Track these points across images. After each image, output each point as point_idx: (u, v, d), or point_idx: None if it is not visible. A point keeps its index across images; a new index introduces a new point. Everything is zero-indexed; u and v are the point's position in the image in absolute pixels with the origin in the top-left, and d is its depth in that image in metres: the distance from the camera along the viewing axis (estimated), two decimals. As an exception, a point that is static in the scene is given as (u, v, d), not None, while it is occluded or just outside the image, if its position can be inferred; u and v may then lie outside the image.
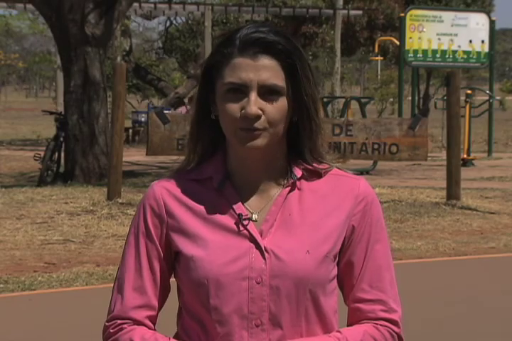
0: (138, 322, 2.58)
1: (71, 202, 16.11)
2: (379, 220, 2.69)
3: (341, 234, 2.62)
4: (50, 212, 15.15)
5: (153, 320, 2.61)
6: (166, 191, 2.62)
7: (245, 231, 2.57)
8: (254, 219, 2.59)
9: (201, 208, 2.60)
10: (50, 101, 42.70)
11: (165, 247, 2.60)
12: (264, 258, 2.55)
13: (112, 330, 2.59)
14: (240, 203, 2.60)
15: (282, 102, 2.53)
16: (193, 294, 2.56)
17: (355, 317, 2.64)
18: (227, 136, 2.58)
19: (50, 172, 19.89)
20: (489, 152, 26.83)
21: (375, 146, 20.63)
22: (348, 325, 2.63)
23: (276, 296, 2.56)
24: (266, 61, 2.52)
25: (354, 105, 24.82)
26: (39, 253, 11.92)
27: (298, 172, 2.62)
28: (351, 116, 23.72)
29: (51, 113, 22.23)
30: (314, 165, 2.63)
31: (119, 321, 2.58)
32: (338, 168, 2.67)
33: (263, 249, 2.56)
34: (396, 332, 2.63)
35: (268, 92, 2.52)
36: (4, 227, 13.88)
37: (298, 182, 2.63)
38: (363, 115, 23.92)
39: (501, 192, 18.41)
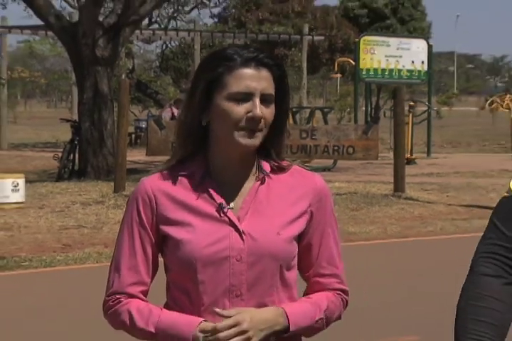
0: (133, 296, 2.59)
1: (84, 195, 16.11)
2: (331, 209, 2.72)
3: (304, 219, 2.65)
4: (67, 202, 15.15)
5: (145, 293, 2.62)
6: (155, 186, 2.61)
7: (225, 218, 2.58)
8: (231, 207, 2.60)
9: (186, 199, 2.59)
10: (66, 111, 42.48)
11: (155, 233, 2.60)
12: (242, 239, 2.57)
13: (111, 303, 2.60)
14: (219, 194, 2.60)
15: (273, 108, 2.55)
16: (182, 271, 2.57)
17: (314, 289, 2.68)
18: (223, 136, 2.55)
19: (66, 169, 19.94)
20: (428, 153, 26.91)
21: (335, 148, 20.63)
22: (304, 295, 2.68)
23: (252, 271, 2.58)
24: (264, 73, 2.54)
25: (318, 114, 24.82)
26: (57, 237, 11.96)
27: (267, 167, 2.63)
28: (315, 123, 23.72)
29: (67, 120, 22.29)
30: (278, 162, 2.64)
31: (117, 295, 2.60)
32: (298, 165, 2.69)
33: (241, 232, 2.57)
34: (346, 300, 2.71)
35: (264, 99, 2.53)
36: (29, 215, 13.92)
37: (267, 176, 2.63)
38: (325, 122, 23.92)
39: (438, 185, 18.47)
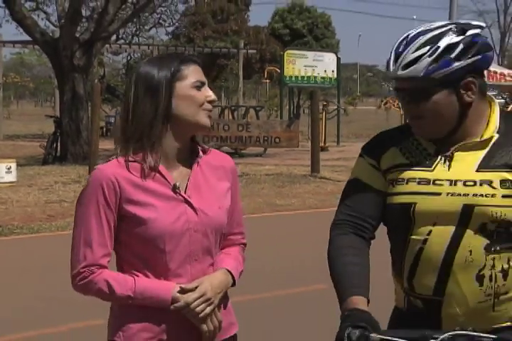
0: (104, 267, 2.49)
1: (64, 176, 15.97)
2: (238, 182, 2.74)
3: (229, 193, 2.64)
4: (51, 182, 14.99)
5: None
6: (116, 172, 2.47)
7: (180, 197, 2.52)
8: (180, 187, 2.53)
9: (144, 182, 2.49)
10: (50, 109, 41.91)
11: (117, 214, 2.48)
12: (196, 214, 2.52)
13: (86, 274, 2.47)
14: (171, 176, 2.52)
15: None
16: (148, 244, 2.47)
17: (227, 244, 2.67)
18: (188, 118, 2.49)
19: (50, 156, 19.73)
20: (337, 142, 27.01)
21: (265, 138, 20.67)
22: (221, 248, 2.65)
23: (205, 239, 2.54)
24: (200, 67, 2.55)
25: (251, 112, 24.85)
26: (43, 209, 11.84)
27: (200, 152, 2.59)
28: (250, 119, 23.70)
29: (51, 117, 22.22)
30: (203, 145, 2.62)
31: (91, 267, 2.47)
32: (213, 148, 2.68)
33: (194, 207, 2.52)
34: (245, 249, 2.78)
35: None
36: (20, 192, 13.76)
37: (200, 159, 2.59)
38: (257, 118, 23.95)
39: (345, 167, 18.53)
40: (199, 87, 2.51)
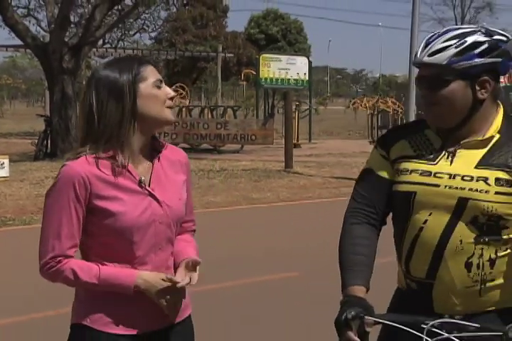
0: (70, 257, 2.47)
1: (54, 171, 15.79)
2: (191, 174, 2.74)
3: (185, 185, 2.65)
4: (41, 177, 14.90)
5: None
6: (86, 169, 2.44)
7: (145, 191, 2.51)
8: (145, 182, 2.52)
9: (112, 178, 2.46)
10: (41, 109, 41.65)
11: (86, 207, 2.45)
12: (161, 206, 2.52)
13: (53, 264, 2.45)
14: (136, 172, 2.51)
15: None
16: (117, 236, 2.46)
17: (180, 230, 2.66)
18: (153, 115, 2.48)
19: (41, 152, 19.63)
20: (309, 139, 27.08)
21: (242, 136, 20.69)
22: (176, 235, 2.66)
23: (168, 229, 2.56)
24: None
25: (229, 111, 24.81)
26: (34, 202, 11.74)
27: (160, 147, 2.59)
28: (228, 118, 23.68)
29: (42, 116, 21.98)
30: (160, 141, 2.61)
31: (58, 258, 2.45)
32: (168, 143, 2.66)
33: (159, 200, 2.52)
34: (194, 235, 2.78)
35: None
36: (12, 186, 13.69)
37: (161, 154, 2.58)
38: (235, 117, 23.91)
39: (316, 163, 18.63)
40: (159, 85, 2.51)
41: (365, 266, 2.38)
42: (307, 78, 25.14)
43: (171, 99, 2.54)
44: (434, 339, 2.07)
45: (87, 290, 2.50)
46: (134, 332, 2.51)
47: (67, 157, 2.51)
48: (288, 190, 13.85)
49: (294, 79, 24.71)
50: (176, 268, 2.58)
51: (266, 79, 24.03)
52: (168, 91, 2.53)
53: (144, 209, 2.48)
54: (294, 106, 22.09)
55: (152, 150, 2.57)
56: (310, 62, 25.60)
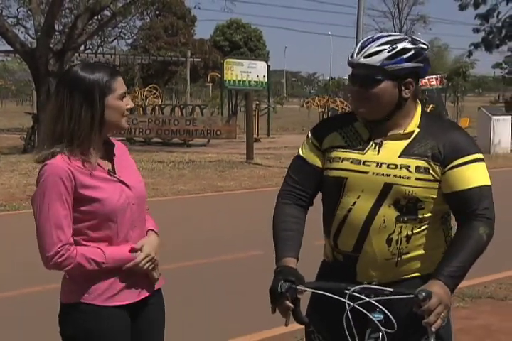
0: (73, 243, 2.47)
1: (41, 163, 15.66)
2: None
3: (136, 167, 2.73)
4: (29, 167, 14.65)
5: None
6: (68, 165, 2.45)
7: (115, 179, 2.56)
8: (112, 171, 2.58)
9: (89, 170, 2.49)
10: (29, 108, 40.96)
11: (73, 196, 2.47)
12: (130, 190, 2.58)
13: (63, 252, 2.43)
14: (104, 163, 2.57)
15: None
16: (103, 219, 2.49)
17: None
18: (114, 123, 2.52)
19: (29, 146, 19.31)
20: (268, 134, 27.08)
21: (209, 131, 20.60)
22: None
23: (139, 209, 2.62)
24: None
25: (197, 110, 24.71)
26: (23, 190, 11.60)
27: (109, 140, 2.63)
28: (196, 115, 23.58)
29: (30, 113, 21.67)
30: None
31: (66, 246, 2.44)
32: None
33: (128, 185, 2.58)
34: None
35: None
36: (3, 176, 13.49)
37: (114, 147, 2.64)
38: (202, 115, 23.83)
39: (274, 155, 18.64)
40: (123, 97, 2.54)
41: (294, 240, 2.43)
42: (266, 80, 25.12)
43: (131, 110, 2.59)
44: (356, 303, 2.13)
45: (83, 272, 2.49)
46: (127, 302, 2.56)
47: (38, 156, 2.50)
48: (249, 179, 13.86)
49: (255, 81, 24.68)
50: None
51: (230, 81, 23.97)
52: (128, 102, 2.56)
53: (120, 194, 2.53)
54: (254, 105, 22.07)
55: (107, 144, 2.62)
56: (268, 66, 25.58)
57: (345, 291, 2.16)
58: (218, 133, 20.57)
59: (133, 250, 2.55)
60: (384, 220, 2.38)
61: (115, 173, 2.57)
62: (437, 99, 27.65)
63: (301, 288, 2.23)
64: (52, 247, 2.43)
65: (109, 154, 2.60)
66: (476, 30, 28.64)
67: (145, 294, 2.62)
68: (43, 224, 2.45)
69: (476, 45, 28.58)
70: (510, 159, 18.71)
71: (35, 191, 2.48)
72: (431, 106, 25.68)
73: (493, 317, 5.37)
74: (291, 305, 2.24)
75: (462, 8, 28.81)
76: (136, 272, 2.56)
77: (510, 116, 21.03)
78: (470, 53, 29.41)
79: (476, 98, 55.91)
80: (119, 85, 2.52)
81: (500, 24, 28.19)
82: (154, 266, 2.61)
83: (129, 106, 2.55)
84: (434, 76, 27.93)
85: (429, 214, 2.39)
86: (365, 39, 2.45)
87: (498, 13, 28.35)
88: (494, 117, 20.07)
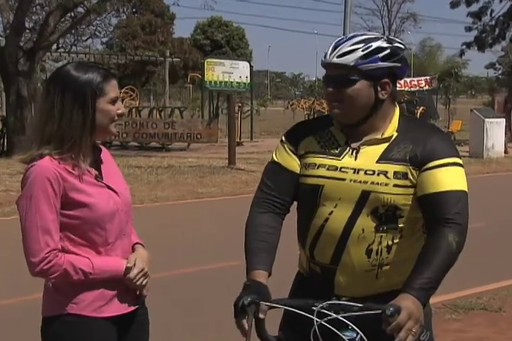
0: (60, 250, 2.44)
1: (10, 168, 15.55)
2: None
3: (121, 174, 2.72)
4: (-1, 173, 14.64)
5: None
6: (56, 167, 2.43)
7: (102, 184, 2.54)
8: (99, 176, 2.56)
9: (78, 174, 2.47)
10: (-2, 109, 40.89)
11: (61, 200, 2.45)
12: (118, 196, 2.56)
13: (51, 258, 2.40)
14: (92, 169, 2.54)
15: None
16: (92, 225, 2.47)
17: None
18: (103, 127, 2.51)
19: (-2, 150, 19.32)
20: (251, 138, 27.08)
21: (188, 135, 20.60)
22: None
23: (127, 216, 2.61)
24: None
25: (176, 112, 24.69)
26: (-8, 198, 11.55)
27: (96, 145, 2.62)
28: (175, 118, 23.55)
29: (-2, 116, 21.60)
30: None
31: (54, 251, 2.41)
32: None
33: (116, 191, 2.56)
34: None
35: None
36: (-30, 183, 13.34)
37: (101, 152, 2.62)
38: (182, 117, 23.82)
39: (257, 160, 18.59)
40: (115, 101, 2.53)
41: (267, 252, 2.39)
42: (249, 81, 25.16)
43: (121, 115, 2.55)
44: (323, 319, 2.11)
45: (68, 282, 2.47)
46: (118, 313, 2.54)
47: (26, 157, 2.47)
48: (231, 184, 13.85)
49: (237, 82, 24.70)
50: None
51: (211, 82, 23.97)
52: (120, 107, 2.54)
53: (108, 199, 2.51)
54: (236, 107, 22.09)
55: (94, 149, 2.60)
56: (251, 67, 25.61)
57: (313, 308, 2.13)
58: (199, 136, 20.57)
59: (127, 269, 2.53)
60: (363, 230, 2.35)
61: (102, 179, 2.55)
62: (428, 100, 27.84)
63: (264, 304, 2.20)
64: (39, 253, 2.39)
65: (96, 159, 2.59)
66: (469, 29, 28.83)
67: (135, 305, 2.60)
68: (30, 228, 2.41)
69: (469, 45, 28.76)
70: (504, 163, 18.83)
71: (21, 193, 2.45)
72: (421, 108, 25.84)
73: (487, 329, 5.37)
74: (245, 326, 2.18)
75: (454, 5, 28.99)
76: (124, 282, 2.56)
77: (503, 119, 21.19)
78: (462, 53, 29.61)
79: (468, 100, 56.34)
80: (112, 89, 2.50)
81: (493, 22, 28.40)
82: (147, 280, 2.60)
83: (119, 112, 2.53)
84: (423, 77, 28.13)
85: (409, 223, 2.37)
86: (339, 39, 2.43)
87: (492, 11, 28.57)
88: (487, 120, 20.16)
